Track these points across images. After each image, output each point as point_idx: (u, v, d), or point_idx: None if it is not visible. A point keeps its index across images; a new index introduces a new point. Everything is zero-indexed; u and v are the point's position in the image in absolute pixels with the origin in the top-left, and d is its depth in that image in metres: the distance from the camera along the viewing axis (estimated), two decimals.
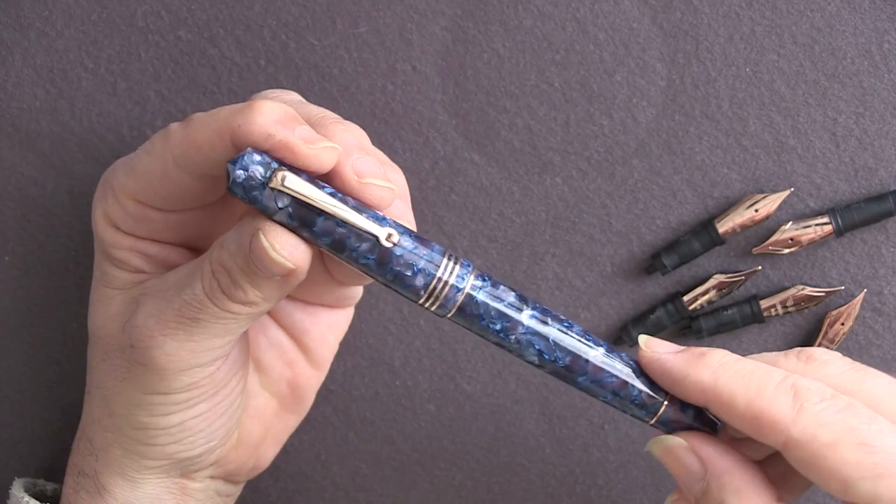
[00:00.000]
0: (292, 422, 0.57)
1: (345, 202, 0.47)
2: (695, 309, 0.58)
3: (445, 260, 0.47)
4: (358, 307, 0.58)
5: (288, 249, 0.47)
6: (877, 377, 0.49)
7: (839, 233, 0.57)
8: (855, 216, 0.57)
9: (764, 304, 0.58)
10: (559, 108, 0.58)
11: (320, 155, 0.47)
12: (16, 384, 0.60)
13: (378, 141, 0.58)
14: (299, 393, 0.56)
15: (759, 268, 0.58)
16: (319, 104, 0.58)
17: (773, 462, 0.49)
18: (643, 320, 0.59)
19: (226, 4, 0.58)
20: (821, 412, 0.46)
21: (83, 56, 0.58)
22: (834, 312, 0.58)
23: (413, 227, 0.50)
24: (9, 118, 0.59)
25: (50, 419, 0.60)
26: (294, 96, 0.53)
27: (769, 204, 0.57)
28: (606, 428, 0.60)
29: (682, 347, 0.50)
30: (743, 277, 0.58)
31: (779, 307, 0.58)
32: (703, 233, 0.58)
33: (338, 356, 0.58)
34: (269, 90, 0.53)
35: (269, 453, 0.56)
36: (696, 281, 0.59)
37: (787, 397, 0.47)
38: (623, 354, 0.50)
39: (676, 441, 0.50)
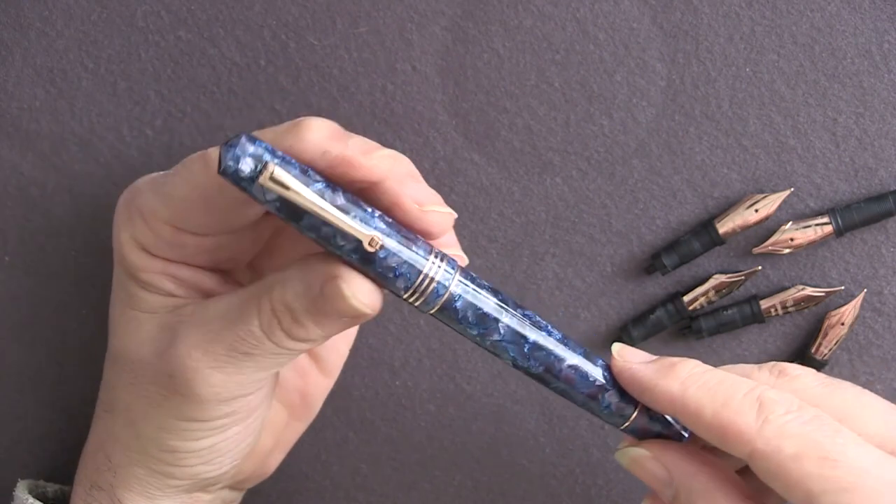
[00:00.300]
0: (300, 429, 0.57)
1: (334, 201, 0.46)
2: (695, 309, 0.58)
3: (432, 257, 0.47)
4: None
5: (369, 298, 0.47)
6: (846, 390, 0.48)
7: (839, 233, 0.57)
8: (855, 216, 0.57)
9: (764, 304, 0.58)
10: (559, 108, 0.58)
11: (377, 166, 0.47)
12: (16, 384, 0.60)
13: (378, 141, 0.58)
14: (309, 401, 0.56)
15: (759, 268, 0.58)
16: (319, 104, 0.58)
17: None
18: (643, 320, 0.59)
19: (226, 4, 0.58)
20: (785, 424, 0.46)
21: (83, 56, 0.58)
22: (834, 312, 0.58)
23: (463, 257, 0.50)
24: (9, 118, 0.59)
25: (50, 419, 0.60)
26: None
27: (769, 204, 0.57)
28: (606, 428, 0.60)
29: (654, 357, 0.49)
30: (743, 277, 0.58)
31: (779, 307, 0.58)
32: (703, 233, 0.58)
33: None
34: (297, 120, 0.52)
35: (276, 460, 0.56)
36: (696, 281, 0.59)
37: (752, 409, 0.46)
38: (599, 361, 0.50)
39: (640, 452, 0.50)
